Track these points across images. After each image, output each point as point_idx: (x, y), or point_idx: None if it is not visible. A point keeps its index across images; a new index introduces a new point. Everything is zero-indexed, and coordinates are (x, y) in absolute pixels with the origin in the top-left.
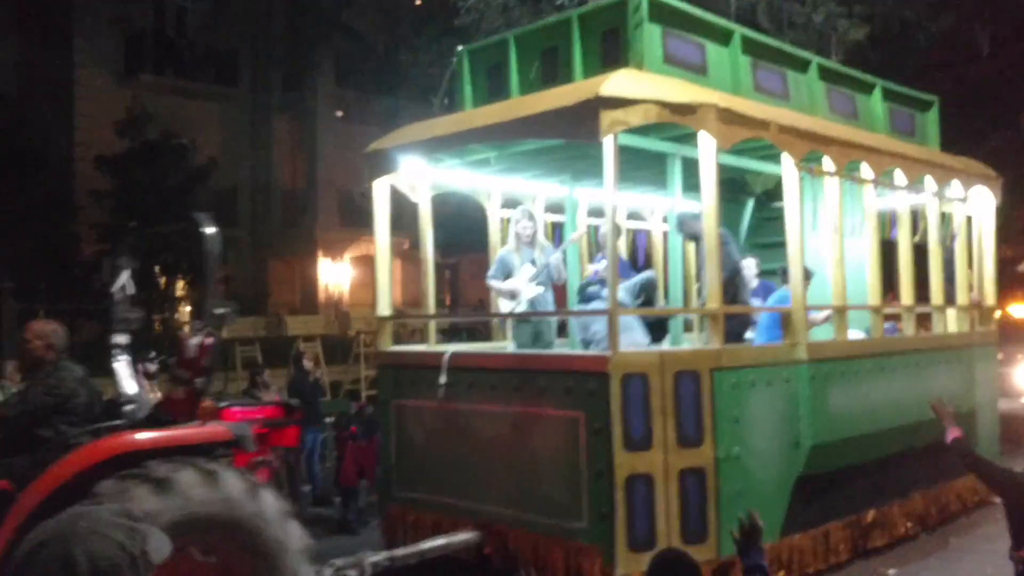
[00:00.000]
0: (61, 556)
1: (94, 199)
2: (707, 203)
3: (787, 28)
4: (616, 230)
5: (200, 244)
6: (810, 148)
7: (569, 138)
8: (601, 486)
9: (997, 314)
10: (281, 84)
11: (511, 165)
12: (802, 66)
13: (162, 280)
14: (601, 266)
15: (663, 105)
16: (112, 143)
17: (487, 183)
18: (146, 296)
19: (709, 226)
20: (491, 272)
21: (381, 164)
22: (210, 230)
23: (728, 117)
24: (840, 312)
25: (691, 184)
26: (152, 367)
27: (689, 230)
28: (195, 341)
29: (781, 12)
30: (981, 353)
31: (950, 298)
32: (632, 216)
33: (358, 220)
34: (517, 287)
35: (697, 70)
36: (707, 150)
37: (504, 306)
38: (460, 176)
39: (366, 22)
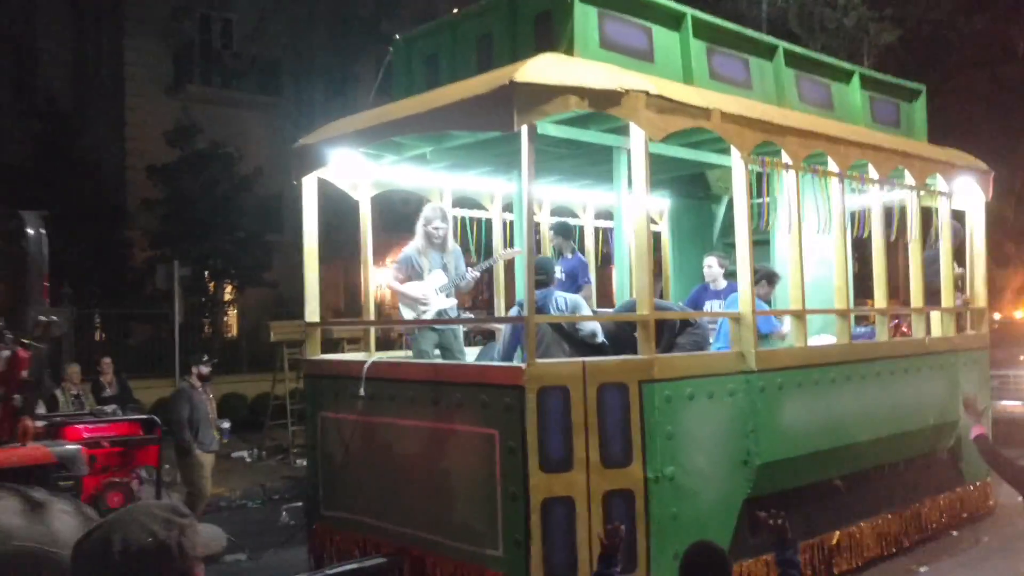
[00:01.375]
0: (103, 539)
1: (145, 207)
2: (637, 200)
3: (819, 33)
4: (533, 226)
5: (247, 252)
6: (762, 138)
7: (483, 129)
8: (515, 510)
9: (996, 316)
10: (323, 92)
11: (456, 161)
12: (767, 52)
13: (211, 285)
14: (556, 270)
15: (583, 93)
16: (162, 152)
17: (437, 180)
18: (196, 301)
19: (639, 226)
20: (391, 272)
21: (308, 160)
22: (33, 231)
23: (661, 105)
24: (799, 317)
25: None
26: (206, 370)
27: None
28: (4, 354)
29: (812, 17)
30: (969, 359)
31: (934, 300)
32: (602, 215)
33: (400, 224)
34: (426, 295)
35: (641, 56)
36: (637, 142)
37: (406, 313)
38: (407, 173)
39: (405, 31)
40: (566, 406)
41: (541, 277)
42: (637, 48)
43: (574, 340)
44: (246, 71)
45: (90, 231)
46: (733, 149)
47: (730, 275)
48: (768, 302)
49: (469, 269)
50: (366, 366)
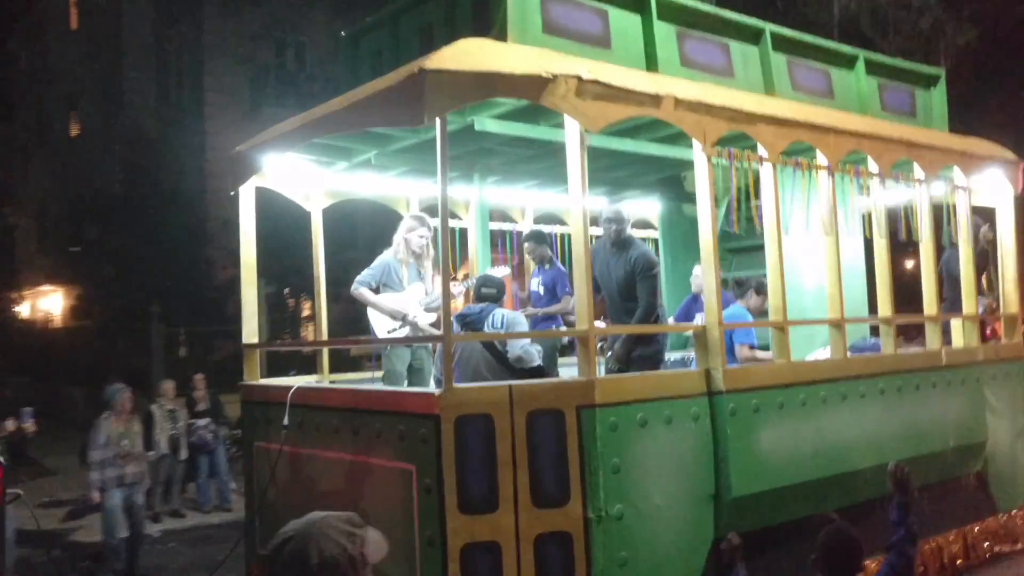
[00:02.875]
0: (299, 551)
1: (226, 227)
2: (574, 202)
3: (893, 36)
4: (448, 232)
5: None
6: (727, 128)
7: (394, 124)
8: (433, 557)
9: None
10: None
11: (414, 166)
12: (751, 36)
13: (290, 302)
14: (534, 283)
15: (501, 80)
16: None
17: (402, 189)
18: (277, 318)
19: (578, 232)
20: (363, 278)
21: (242, 168)
22: None
23: (597, 92)
24: (781, 329)
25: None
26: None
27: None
28: None
29: (886, 20)
30: (999, 372)
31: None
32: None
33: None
34: (407, 309)
35: (594, 41)
36: (572, 135)
37: (380, 326)
38: (366, 181)
39: None
40: (489, 437)
41: (488, 291)
42: (589, 33)
43: (508, 362)
44: (319, 92)
45: (176, 252)
46: (694, 142)
47: (739, 282)
48: (764, 314)
49: (453, 284)
50: (291, 392)
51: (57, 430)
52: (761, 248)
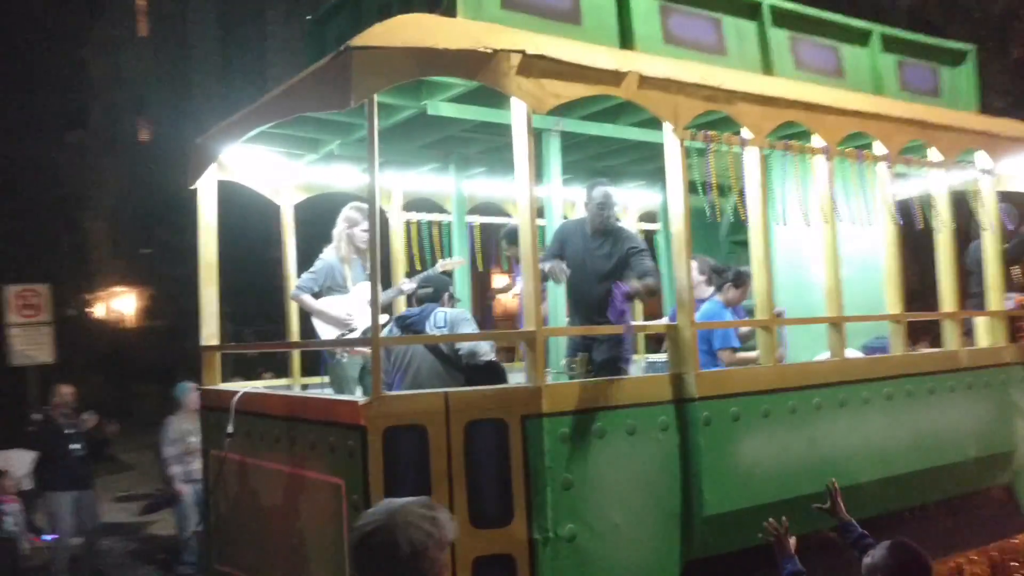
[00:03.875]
0: (387, 542)
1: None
2: (520, 193)
3: (962, 21)
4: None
5: None
6: (702, 107)
7: (321, 108)
8: None
9: None
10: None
11: (386, 156)
12: (747, 11)
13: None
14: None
15: (434, 56)
16: None
17: (383, 181)
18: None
19: (524, 225)
20: (303, 282)
21: (199, 161)
22: None
23: (545, 69)
24: (767, 329)
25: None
26: None
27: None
28: None
29: (955, 6)
30: None
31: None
32: None
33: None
34: (351, 315)
35: (560, 17)
36: (518, 117)
37: (326, 333)
38: (342, 174)
39: None
40: (423, 450)
41: (424, 291)
42: (555, 8)
43: (457, 365)
44: None
45: (244, 253)
46: (665, 124)
47: (718, 271)
48: (751, 311)
49: (405, 280)
50: (235, 399)
51: (130, 427)
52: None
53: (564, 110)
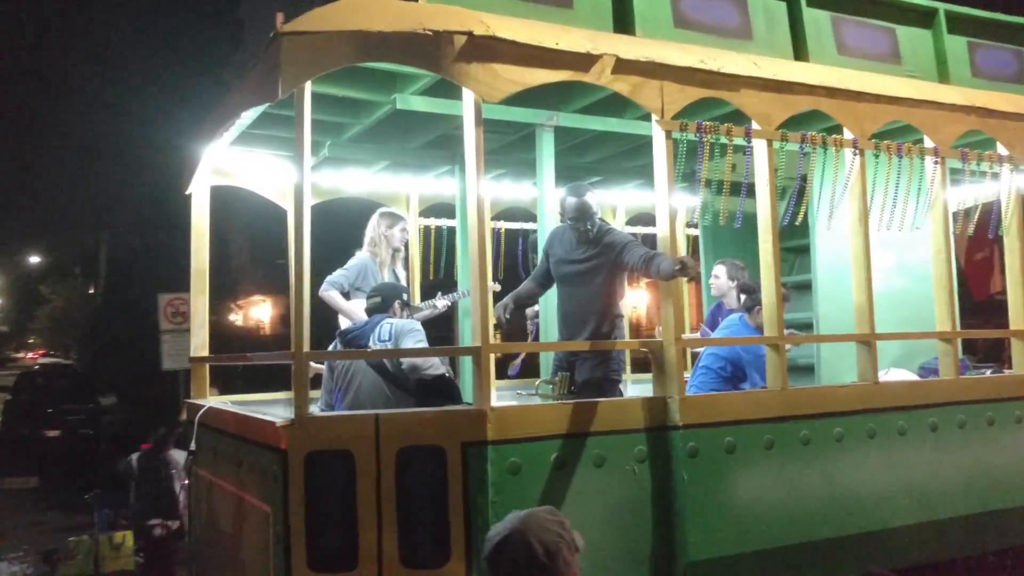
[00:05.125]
0: (523, 546)
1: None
2: (470, 191)
3: None
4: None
5: None
6: (696, 95)
7: (255, 102)
8: None
9: None
10: None
11: (392, 159)
12: None
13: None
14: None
15: (369, 39)
16: None
17: (398, 185)
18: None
19: (473, 227)
20: (335, 278)
21: (189, 167)
22: None
23: (498, 52)
24: (775, 347)
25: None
26: None
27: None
28: None
29: None
30: None
31: None
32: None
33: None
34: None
35: (552, 0)
36: (467, 107)
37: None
38: (356, 178)
39: None
40: (349, 478)
41: (373, 302)
42: None
43: (404, 384)
44: None
45: None
46: (653, 116)
47: (748, 290)
48: (758, 325)
49: (440, 295)
50: (199, 413)
51: None
52: (802, 250)
53: (559, 103)
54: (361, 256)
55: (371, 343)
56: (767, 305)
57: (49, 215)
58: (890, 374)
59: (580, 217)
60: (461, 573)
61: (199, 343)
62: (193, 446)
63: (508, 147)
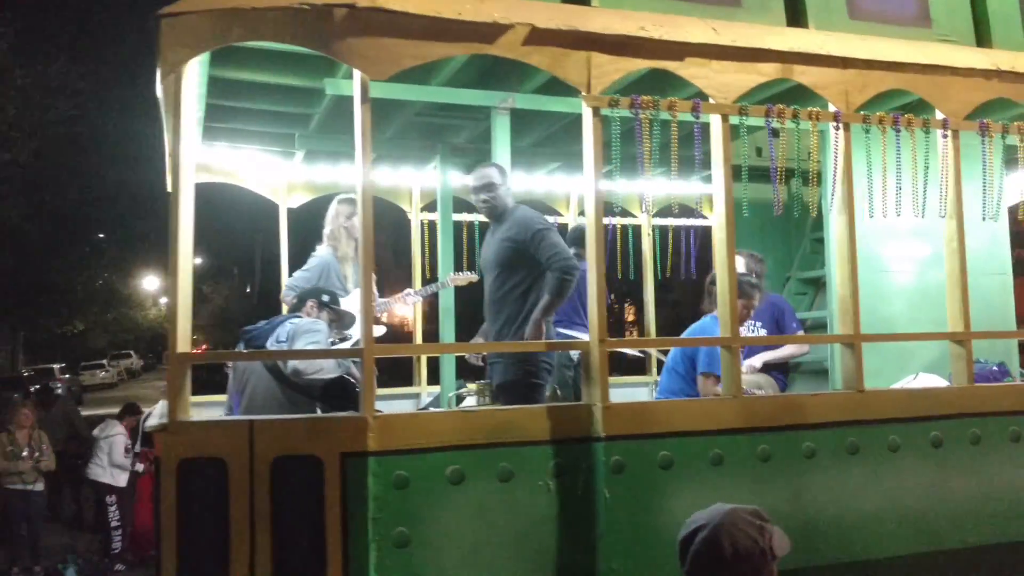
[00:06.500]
0: (712, 541)
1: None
2: (356, 176)
3: None
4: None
5: None
6: (632, 66)
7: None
8: None
9: None
10: None
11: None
12: None
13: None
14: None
15: (241, 17)
16: None
17: (398, 179)
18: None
19: (367, 217)
20: (295, 282)
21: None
22: None
23: (385, 25)
24: (728, 349)
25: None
26: None
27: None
28: None
29: None
30: None
31: None
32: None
33: None
34: (347, 320)
35: None
36: (356, 87)
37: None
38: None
39: None
40: (221, 489)
41: (293, 300)
42: None
43: (303, 387)
44: None
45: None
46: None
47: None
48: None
49: (410, 292)
50: (143, 417)
51: None
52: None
53: (516, 83)
54: (321, 253)
55: (269, 344)
56: (721, 301)
57: (209, 220)
58: (919, 380)
59: (483, 186)
60: None
61: (181, 339)
62: (138, 447)
63: (484, 134)
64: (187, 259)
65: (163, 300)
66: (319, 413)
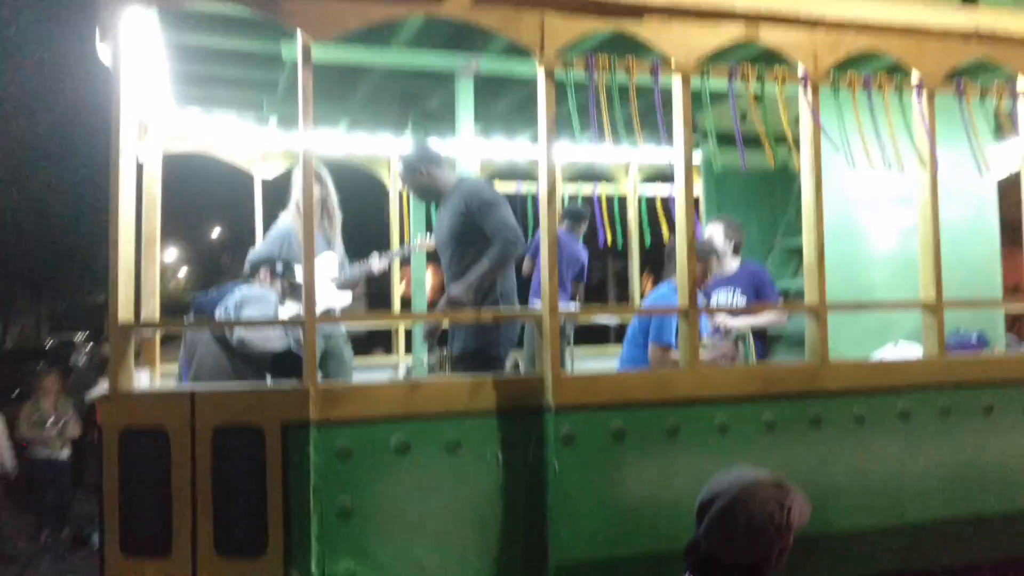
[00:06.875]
0: (728, 511)
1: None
2: (301, 140)
3: None
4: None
5: None
6: (590, 27)
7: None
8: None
9: None
10: None
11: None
12: None
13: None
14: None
15: None
16: None
17: (376, 147)
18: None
19: (308, 184)
20: (260, 254)
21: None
22: None
23: None
24: (685, 315)
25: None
26: None
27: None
28: None
29: None
30: None
31: None
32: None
33: None
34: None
35: None
36: (298, 49)
37: (284, 310)
38: (330, 141)
39: None
40: (163, 458)
41: (246, 269)
42: None
43: (252, 357)
44: None
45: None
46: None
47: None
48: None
49: (375, 255)
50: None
51: None
52: None
53: (477, 47)
54: (283, 222)
55: (217, 313)
56: (679, 269)
57: (228, 194)
58: (898, 349)
59: (418, 161)
60: (278, 565)
61: (122, 309)
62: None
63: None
64: (128, 226)
65: (181, 271)
66: (269, 384)
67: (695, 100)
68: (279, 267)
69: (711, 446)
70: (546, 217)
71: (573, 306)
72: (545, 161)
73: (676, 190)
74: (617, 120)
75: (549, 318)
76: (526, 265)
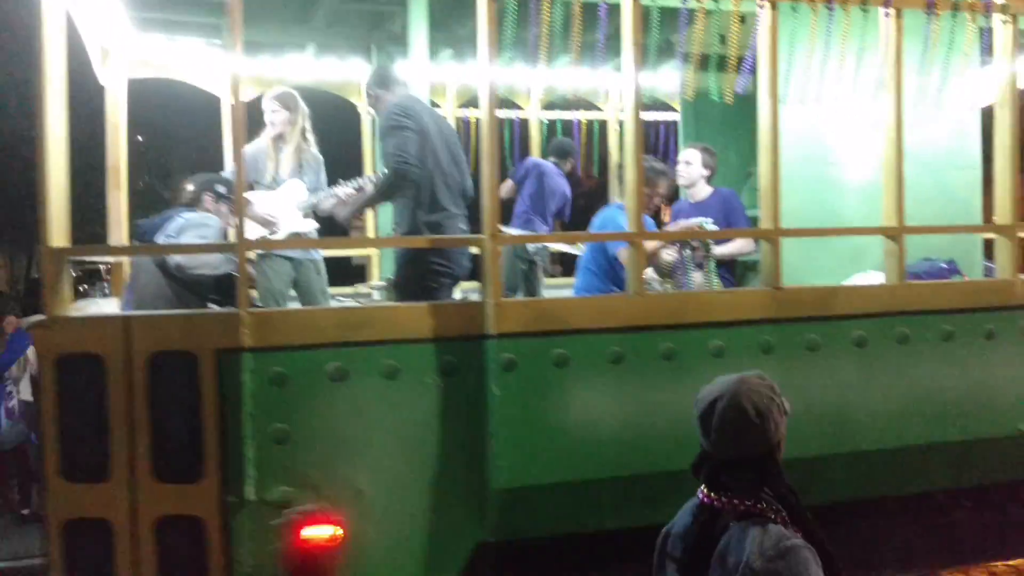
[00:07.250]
0: (735, 406)
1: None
2: (230, 63)
3: None
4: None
5: None
6: None
7: None
8: (41, 532)
9: None
10: None
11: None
12: None
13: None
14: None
15: None
16: None
17: (345, 72)
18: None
19: (236, 109)
20: (203, 178)
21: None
22: None
23: None
24: (633, 244)
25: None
26: None
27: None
28: None
29: None
30: None
31: None
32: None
33: None
34: (274, 213)
35: None
36: None
37: (249, 234)
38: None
39: None
40: (100, 384)
41: (189, 191)
42: None
43: (194, 285)
44: None
45: None
46: None
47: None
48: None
49: (341, 183)
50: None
51: None
52: None
53: None
54: (250, 147)
55: (158, 238)
56: (628, 193)
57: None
58: (867, 277)
59: (370, 84)
60: (214, 489)
61: (56, 232)
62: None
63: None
64: (58, 143)
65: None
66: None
67: (671, 21)
68: (221, 189)
69: (656, 374)
70: (488, 140)
71: (519, 232)
72: (487, 83)
73: (626, 115)
74: (559, 39)
75: (490, 243)
76: (504, 189)
